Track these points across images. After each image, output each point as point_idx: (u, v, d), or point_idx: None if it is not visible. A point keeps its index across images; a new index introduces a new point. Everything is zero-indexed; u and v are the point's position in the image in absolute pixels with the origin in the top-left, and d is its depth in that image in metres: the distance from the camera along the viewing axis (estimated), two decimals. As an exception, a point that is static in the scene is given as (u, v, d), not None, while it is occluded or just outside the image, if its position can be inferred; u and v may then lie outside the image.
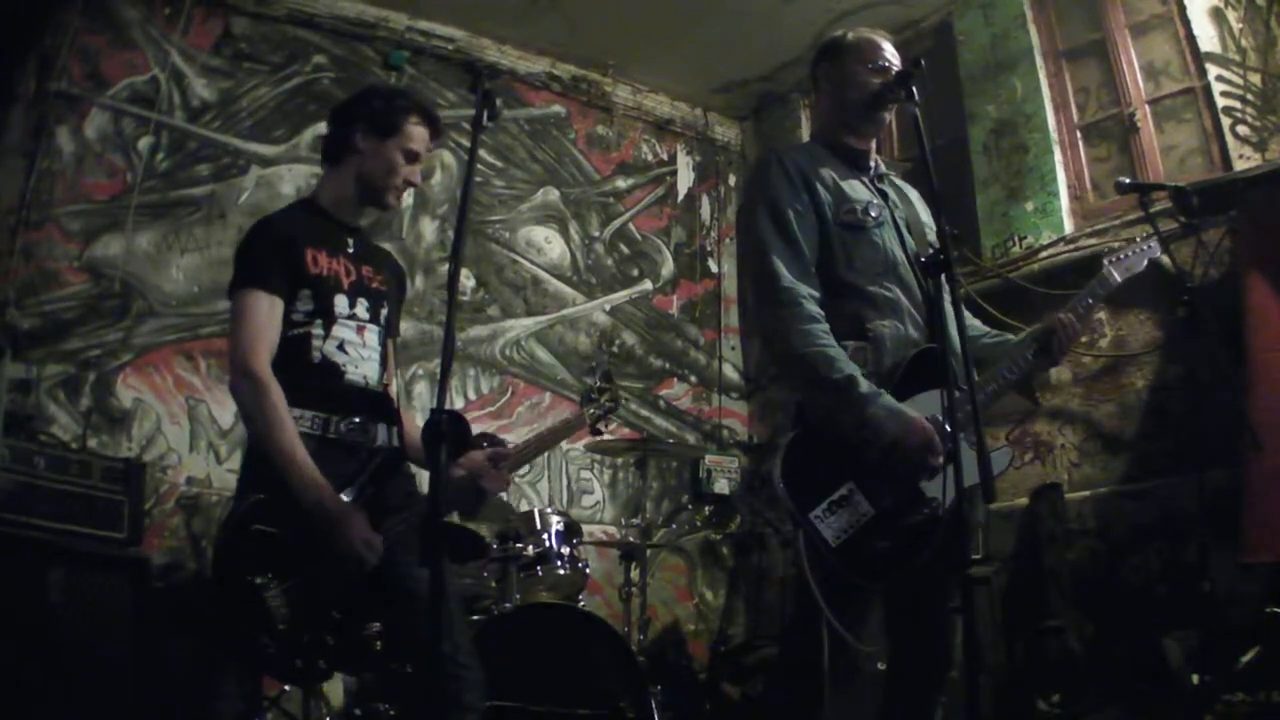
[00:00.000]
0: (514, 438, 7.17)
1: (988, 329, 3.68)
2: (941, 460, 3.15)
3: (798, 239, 3.38)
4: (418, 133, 3.63)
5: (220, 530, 3.44)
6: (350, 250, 3.63)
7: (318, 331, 3.45)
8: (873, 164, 3.68)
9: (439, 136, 3.71)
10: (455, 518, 5.63)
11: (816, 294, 3.34)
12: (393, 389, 3.77)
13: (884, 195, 3.60)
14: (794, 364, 3.30)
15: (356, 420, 3.43)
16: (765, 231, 3.42)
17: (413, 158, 3.62)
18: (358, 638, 3.21)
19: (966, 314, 3.51)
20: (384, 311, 3.66)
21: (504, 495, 6.03)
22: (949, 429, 3.16)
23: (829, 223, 3.43)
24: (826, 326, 3.28)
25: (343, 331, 3.49)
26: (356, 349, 3.51)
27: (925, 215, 3.70)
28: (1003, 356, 3.43)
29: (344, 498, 3.24)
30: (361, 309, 3.57)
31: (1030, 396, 3.67)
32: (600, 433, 4.38)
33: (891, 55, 3.61)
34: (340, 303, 3.52)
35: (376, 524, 3.24)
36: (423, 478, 3.33)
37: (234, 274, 3.49)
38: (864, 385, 3.16)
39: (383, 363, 3.62)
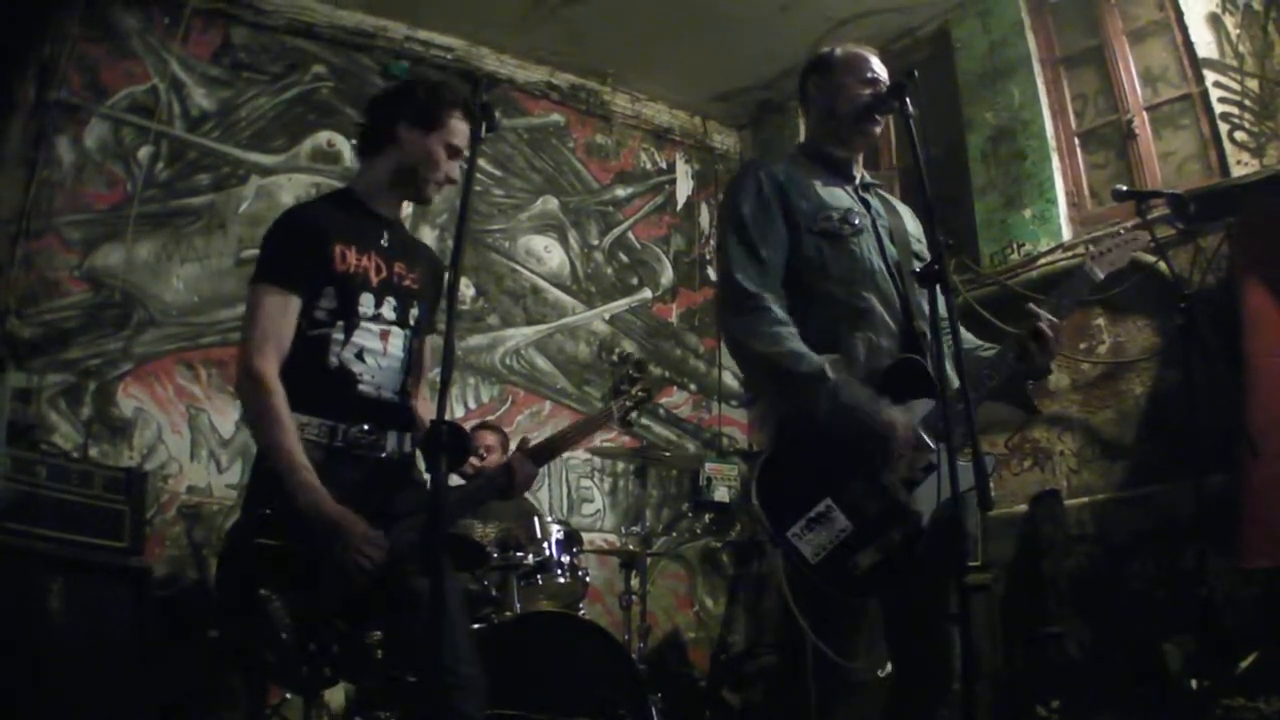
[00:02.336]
0: (513, 445, 7.20)
1: (980, 342, 3.66)
2: (911, 451, 3.14)
3: (760, 251, 3.37)
4: (460, 127, 3.56)
5: (225, 543, 3.42)
6: (384, 244, 3.55)
7: (338, 336, 3.37)
8: (858, 174, 3.68)
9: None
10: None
11: (781, 302, 3.33)
12: (424, 389, 3.73)
13: (867, 204, 3.59)
14: (762, 366, 3.28)
15: (365, 428, 3.38)
16: (730, 245, 3.42)
17: (454, 152, 3.55)
18: (362, 645, 3.21)
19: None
20: (413, 312, 3.57)
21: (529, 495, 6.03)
22: (930, 441, 3.16)
23: (804, 231, 3.42)
24: (794, 330, 3.26)
25: (364, 338, 3.41)
26: (376, 357, 3.43)
27: (912, 226, 3.68)
28: (986, 365, 3.39)
29: (349, 505, 3.22)
30: (388, 309, 3.48)
31: (1026, 405, 3.60)
32: (631, 425, 4.27)
33: (879, 68, 3.62)
34: (366, 302, 3.43)
35: (385, 531, 3.22)
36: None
37: (256, 264, 3.40)
38: (833, 374, 3.14)
39: (404, 370, 3.52)
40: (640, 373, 3.95)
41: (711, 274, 9.45)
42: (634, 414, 3.96)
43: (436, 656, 3.03)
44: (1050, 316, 3.36)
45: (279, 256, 3.39)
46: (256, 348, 3.24)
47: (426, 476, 3.37)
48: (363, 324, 3.42)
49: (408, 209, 3.94)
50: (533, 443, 3.66)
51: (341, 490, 3.18)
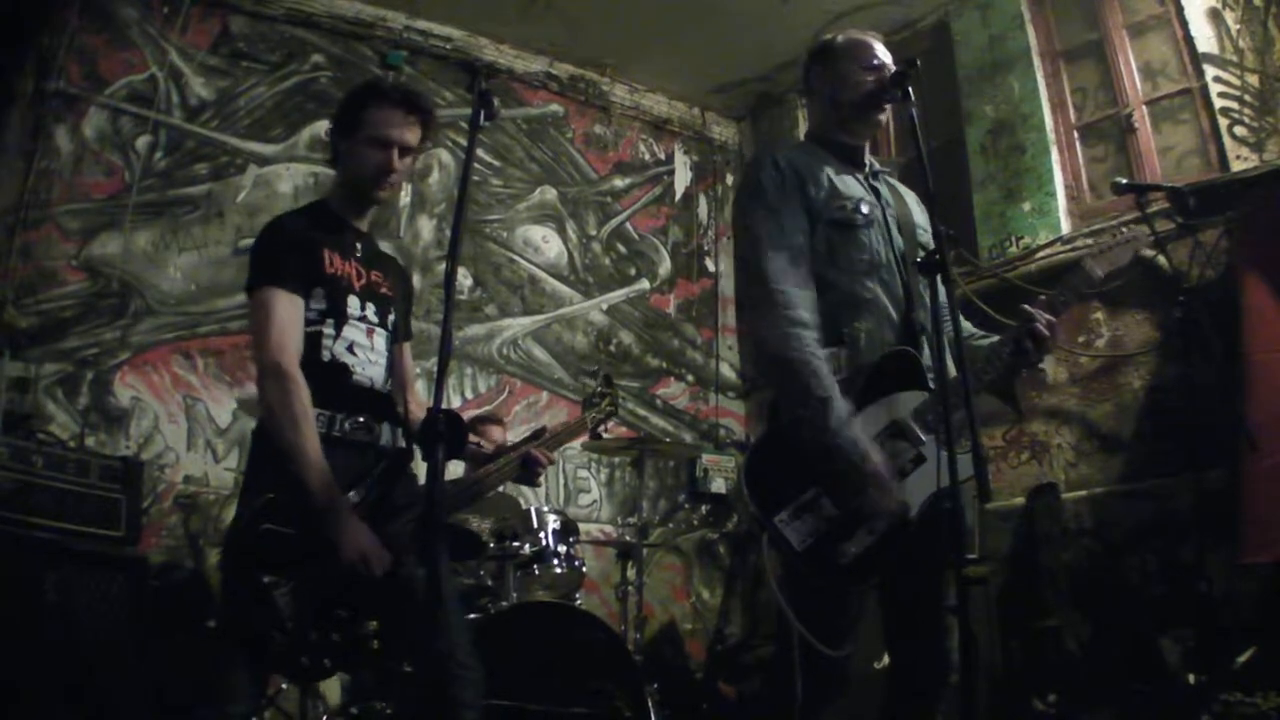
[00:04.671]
0: (512, 437, 7.20)
1: (975, 330, 3.66)
2: (885, 508, 3.12)
3: (791, 240, 3.37)
4: (379, 117, 3.55)
5: (230, 529, 3.46)
6: (358, 254, 3.64)
7: (329, 331, 3.45)
8: (867, 162, 3.67)
9: (413, 108, 3.63)
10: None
11: (811, 296, 3.32)
12: (418, 390, 3.79)
13: (876, 193, 3.59)
14: (778, 367, 3.28)
15: (360, 420, 3.45)
16: (759, 234, 3.41)
17: (383, 144, 3.54)
18: (362, 636, 3.23)
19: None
20: (391, 317, 3.67)
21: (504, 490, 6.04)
22: (920, 434, 3.16)
23: (819, 220, 3.42)
24: (816, 334, 3.25)
25: (352, 333, 3.50)
26: (365, 351, 3.52)
27: (919, 215, 3.68)
28: (982, 356, 3.39)
29: (351, 497, 3.28)
30: (371, 312, 3.59)
31: (1013, 404, 3.59)
32: (600, 436, 4.46)
33: (883, 54, 3.60)
34: (352, 304, 3.53)
35: (384, 524, 3.28)
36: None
37: (251, 272, 3.46)
38: (835, 412, 3.11)
39: (389, 368, 3.61)
40: (608, 388, 4.12)
41: (709, 264, 9.46)
42: (603, 427, 4.12)
43: (433, 645, 3.08)
44: (1047, 315, 3.36)
45: (277, 260, 3.45)
46: (279, 346, 3.31)
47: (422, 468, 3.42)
48: (350, 322, 3.53)
49: (405, 197, 3.96)
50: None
51: (341, 480, 3.24)
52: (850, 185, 3.51)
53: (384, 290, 3.68)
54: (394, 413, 3.60)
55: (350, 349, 3.49)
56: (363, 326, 3.55)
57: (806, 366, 3.19)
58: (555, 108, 9.02)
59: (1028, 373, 3.60)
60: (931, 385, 3.25)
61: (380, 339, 3.60)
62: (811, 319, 3.27)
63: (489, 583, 5.42)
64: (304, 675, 3.25)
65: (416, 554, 3.20)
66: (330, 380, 3.42)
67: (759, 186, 3.48)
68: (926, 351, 3.37)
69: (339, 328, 3.48)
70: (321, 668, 3.20)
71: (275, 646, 3.11)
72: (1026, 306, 3.39)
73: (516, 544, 5.48)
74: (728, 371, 9.29)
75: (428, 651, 3.11)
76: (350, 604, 3.20)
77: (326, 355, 3.43)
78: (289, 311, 3.37)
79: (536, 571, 5.60)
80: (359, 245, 3.67)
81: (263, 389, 3.32)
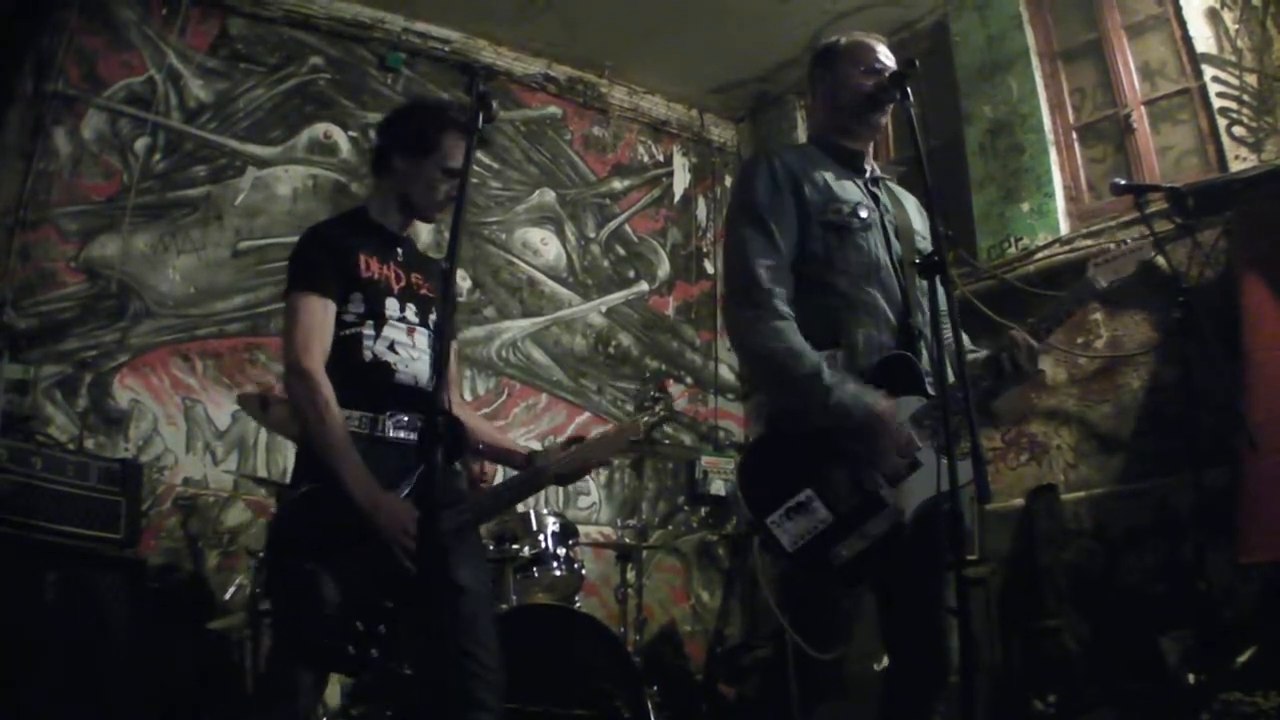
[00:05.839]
0: (509, 438, 7.20)
1: (968, 345, 3.65)
2: (900, 446, 3.15)
3: (776, 241, 3.38)
4: (453, 148, 3.66)
5: (275, 516, 3.54)
6: (399, 258, 3.73)
7: (369, 332, 3.54)
8: (868, 167, 3.67)
9: (483, 145, 3.73)
10: None
11: (789, 295, 3.35)
12: (456, 393, 3.82)
13: (875, 198, 3.59)
14: (760, 360, 3.34)
15: (405, 418, 3.52)
16: (744, 234, 3.44)
17: (452, 174, 3.66)
18: (407, 630, 3.27)
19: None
20: (433, 317, 3.73)
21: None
22: (917, 439, 3.17)
23: (813, 223, 3.42)
24: (794, 325, 3.29)
25: (393, 332, 3.58)
26: (407, 349, 3.59)
27: (918, 221, 3.68)
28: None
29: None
30: (411, 313, 3.66)
31: (991, 422, 3.60)
32: (653, 440, 4.52)
33: (886, 57, 3.60)
34: (391, 305, 3.61)
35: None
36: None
37: (288, 278, 3.58)
38: (828, 375, 3.16)
39: (432, 366, 3.65)
40: (662, 393, 4.21)
41: (708, 266, 9.45)
42: (656, 430, 4.18)
43: (454, 642, 3.19)
44: (1029, 341, 3.35)
45: (310, 266, 3.56)
46: (302, 347, 3.42)
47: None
48: (390, 322, 3.61)
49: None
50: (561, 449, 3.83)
51: (383, 479, 3.32)
52: (848, 189, 3.52)
53: (424, 291, 3.75)
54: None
55: (392, 347, 3.56)
56: (403, 326, 3.62)
57: (788, 352, 3.23)
58: (554, 109, 9.02)
59: (1017, 389, 3.58)
60: (930, 390, 3.26)
61: (422, 337, 3.67)
62: (789, 313, 3.30)
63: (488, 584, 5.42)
64: (350, 664, 3.29)
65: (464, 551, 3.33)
66: (373, 379, 3.52)
67: (750, 185, 3.51)
68: (925, 356, 3.37)
69: (379, 328, 3.56)
70: (368, 658, 3.24)
71: (317, 635, 3.17)
72: (1012, 333, 3.39)
73: (515, 546, 5.48)
74: (727, 373, 9.28)
75: (446, 648, 3.21)
76: (396, 596, 3.26)
77: (368, 355, 3.52)
78: (317, 315, 3.47)
79: (536, 574, 5.60)
80: (399, 250, 3.77)
81: (288, 387, 3.48)
